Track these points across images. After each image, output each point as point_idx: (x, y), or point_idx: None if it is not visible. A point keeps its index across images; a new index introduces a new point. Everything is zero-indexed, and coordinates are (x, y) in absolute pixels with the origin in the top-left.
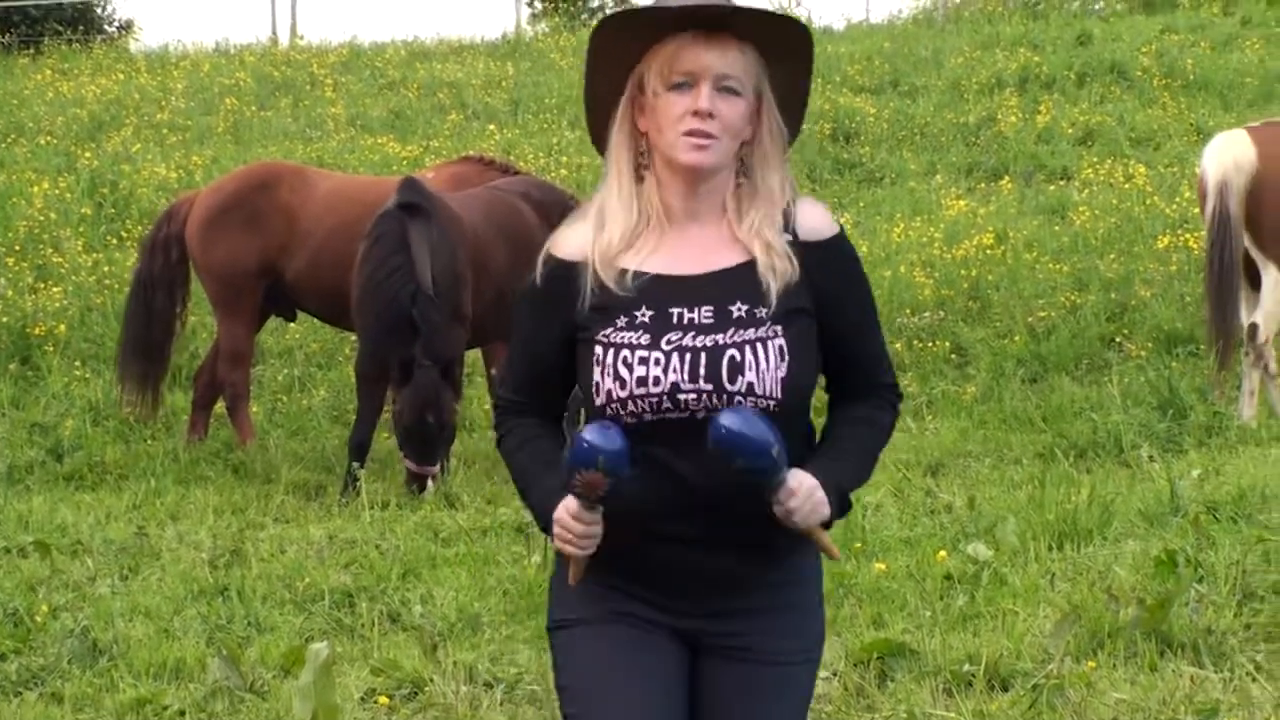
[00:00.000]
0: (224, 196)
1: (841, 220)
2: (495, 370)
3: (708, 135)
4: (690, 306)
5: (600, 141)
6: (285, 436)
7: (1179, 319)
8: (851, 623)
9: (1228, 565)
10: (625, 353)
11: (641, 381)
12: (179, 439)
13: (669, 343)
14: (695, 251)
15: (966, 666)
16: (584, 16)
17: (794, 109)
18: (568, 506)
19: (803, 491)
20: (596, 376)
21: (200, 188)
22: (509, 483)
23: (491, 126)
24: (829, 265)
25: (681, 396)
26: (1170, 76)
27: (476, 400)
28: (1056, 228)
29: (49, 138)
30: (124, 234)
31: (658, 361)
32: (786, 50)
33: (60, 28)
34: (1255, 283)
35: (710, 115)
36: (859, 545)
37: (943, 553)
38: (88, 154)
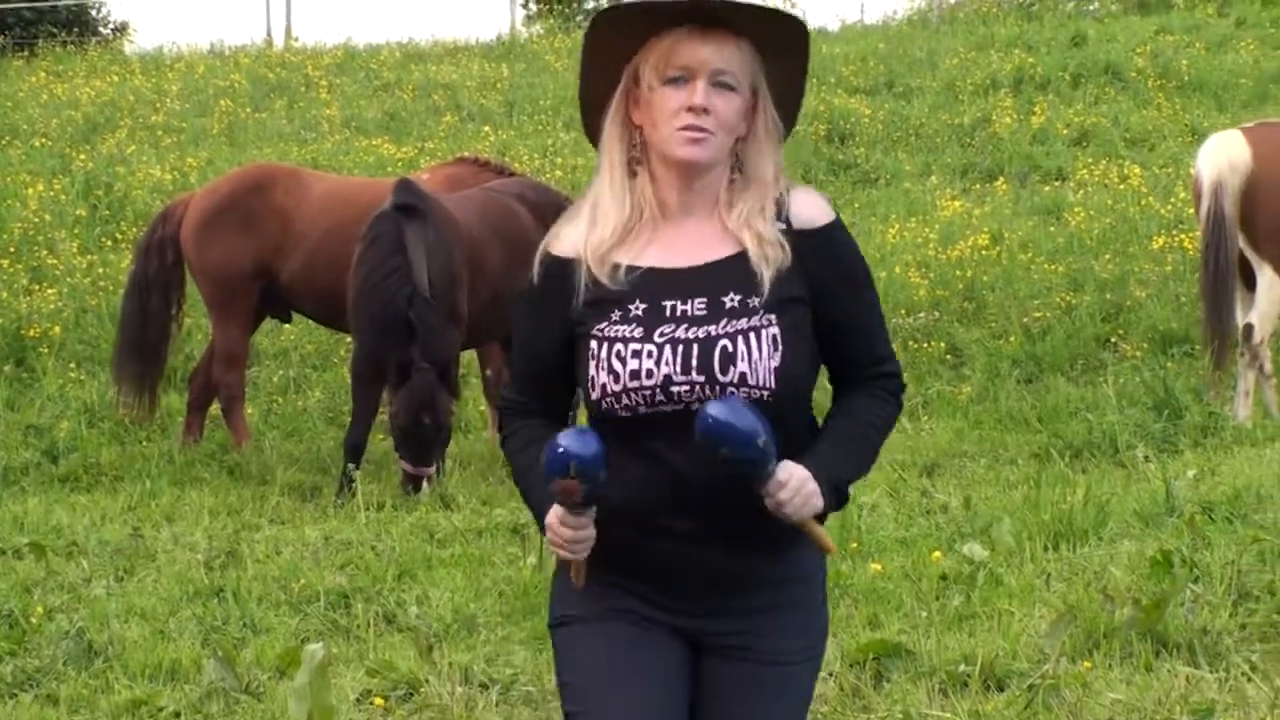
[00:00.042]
0: (219, 198)
1: None
2: (490, 371)
3: (703, 130)
4: (684, 299)
5: (595, 136)
6: (280, 438)
7: (1174, 319)
8: (847, 623)
9: (1223, 565)
10: (619, 346)
11: (634, 375)
12: (174, 441)
13: (661, 335)
14: (689, 245)
15: (962, 667)
16: (579, 18)
17: (789, 104)
18: (555, 511)
19: (793, 483)
20: (591, 371)
21: (195, 190)
22: (504, 484)
23: (486, 128)
24: (823, 253)
25: (674, 389)
26: (1165, 77)
27: (472, 402)
28: (1051, 228)
29: (44, 140)
30: (119, 236)
31: (650, 354)
32: (783, 45)
33: (55, 30)
34: (1250, 283)
35: (705, 110)
36: (855, 545)
37: (938, 553)
38: (82, 156)
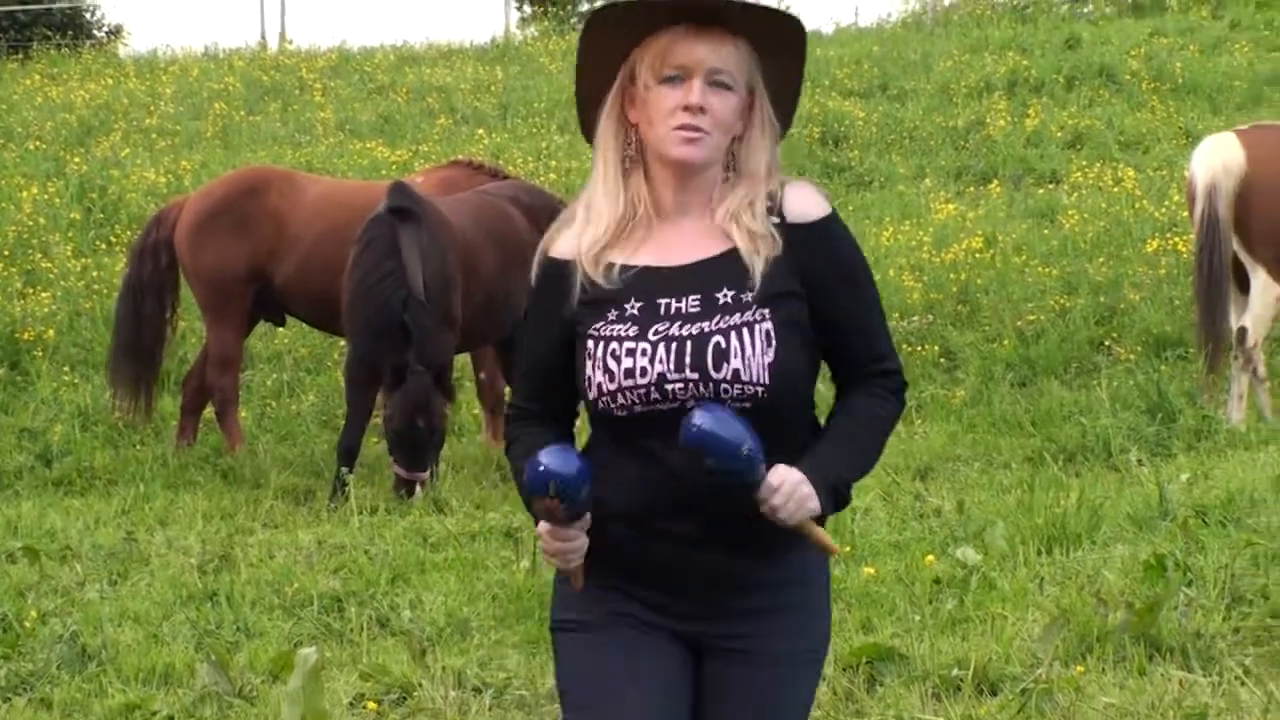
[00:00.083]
0: (213, 201)
1: None
2: (484, 374)
3: (698, 130)
4: (678, 296)
5: (591, 132)
6: (274, 441)
7: (1168, 322)
8: (840, 627)
9: (1216, 569)
10: (614, 345)
11: (629, 373)
12: (168, 444)
13: (656, 333)
14: (683, 243)
15: (955, 671)
16: (573, 21)
17: (786, 103)
18: (544, 524)
19: (785, 488)
20: (588, 370)
21: (189, 193)
22: (498, 487)
23: (480, 131)
24: (817, 247)
25: (669, 386)
26: (1159, 80)
27: (466, 405)
28: (1045, 231)
29: (38, 143)
30: (113, 239)
31: (644, 352)
32: (780, 45)
33: (49, 33)
34: (1244, 286)
35: (701, 110)
36: (848, 549)
37: (931, 557)
38: (76, 159)
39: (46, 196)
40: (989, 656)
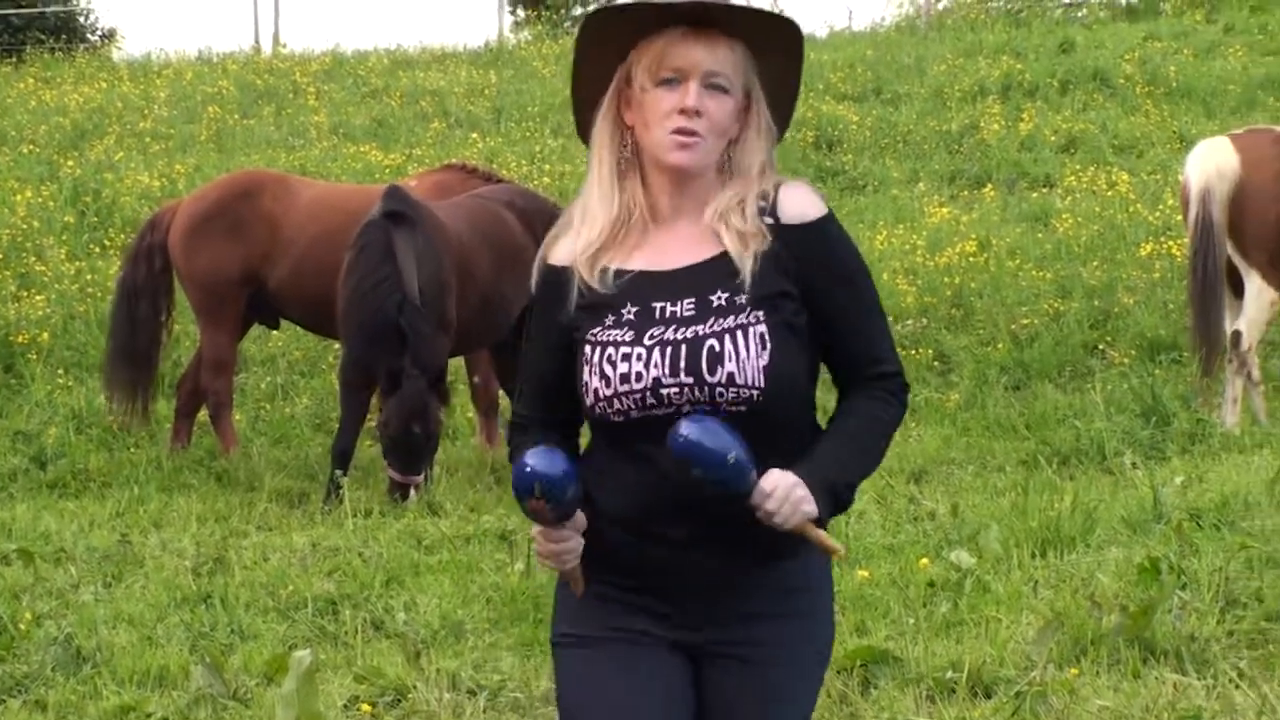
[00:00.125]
0: (207, 205)
1: None
2: (478, 378)
3: (694, 134)
4: (673, 300)
5: (587, 134)
6: (268, 444)
7: (1162, 326)
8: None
9: (1211, 572)
10: (610, 350)
11: (624, 378)
12: (162, 447)
13: (651, 338)
14: (678, 247)
15: (949, 674)
16: (567, 25)
17: (783, 106)
18: (536, 526)
19: (779, 492)
20: (585, 376)
21: (183, 196)
22: (492, 490)
23: (474, 134)
24: (813, 248)
25: (664, 391)
26: (1153, 84)
27: (460, 408)
28: (1039, 235)
29: (32, 146)
30: (107, 242)
31: (640, 357)
32: (776, 47)
33: (43, 36)
34: (1238, 290)
35: (698, 113)
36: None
37: (926, 560)
38: (70, 162)
39: (40, 200)
40: (983, 659)
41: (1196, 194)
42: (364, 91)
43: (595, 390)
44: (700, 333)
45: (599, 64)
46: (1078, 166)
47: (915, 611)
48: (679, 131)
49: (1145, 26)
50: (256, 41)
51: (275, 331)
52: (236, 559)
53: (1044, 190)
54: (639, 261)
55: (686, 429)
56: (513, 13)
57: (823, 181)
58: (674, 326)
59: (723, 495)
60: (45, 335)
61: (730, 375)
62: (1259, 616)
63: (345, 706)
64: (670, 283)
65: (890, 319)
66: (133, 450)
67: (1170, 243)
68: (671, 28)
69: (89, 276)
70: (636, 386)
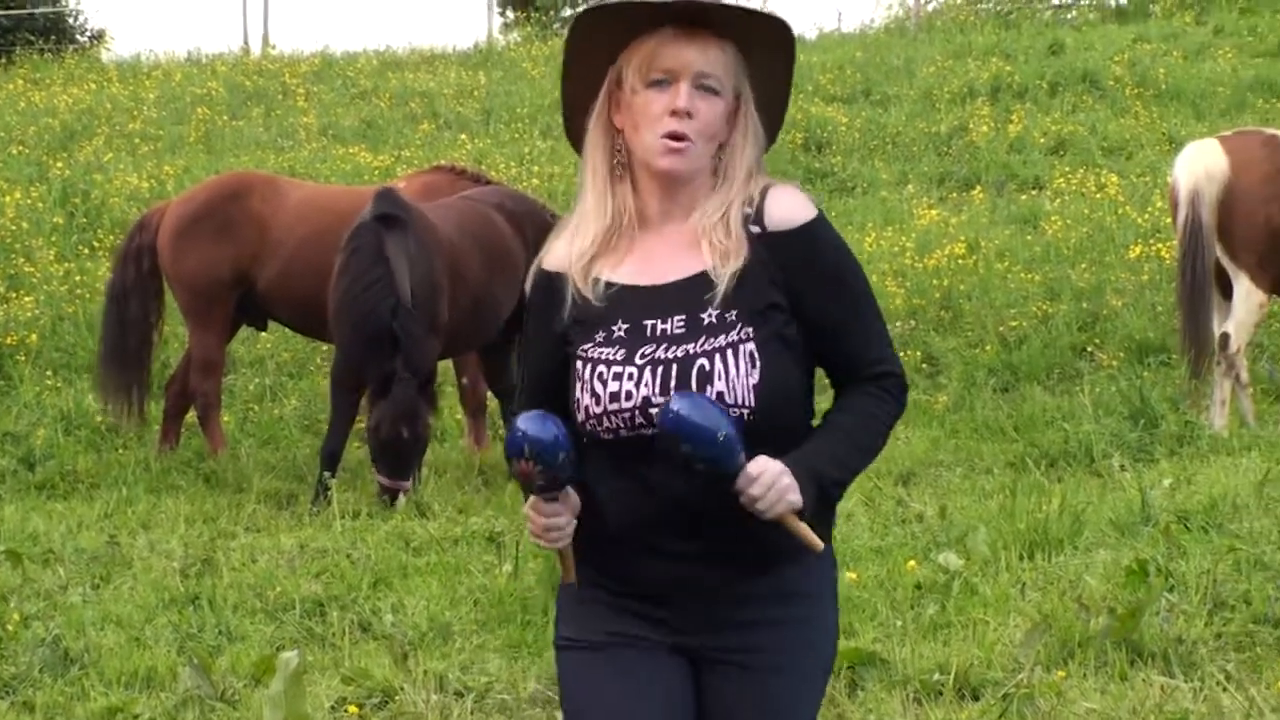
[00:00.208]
0: (195, 206)
1: None
2: (466, 379)
3: (684, 138)
4: (664, 317)
5: (577, 139)
6: (257, 446)
7: (1151, 328)
8: None
9: (1199, 575)
10: (601, 368)
11: (614, 397)
12: (150, 448)
13: (643, 356)
14: (667, 254)
15: (937, 676)
16: (556, 26)
17: (774, 110)
18: (529, 500)
19: (765, 478)
20: (577, 393)
21: (172, 197)
22: (480, 492)
23: (463, 136)
24: (801, 253)
25: (654, 411)
26: (1142, 86)
27: (448, 410)
28: (1028, 237)
29: (21, 147)
30: (96, 244)
31: (630, 376)
32: (768, 48)
33: (32, 38)
34: (1227, 292)
35: (688, 114)
36: None
37: (913, 562)
38: (59, 164)
39: (29, 201)
40: (970, 661)
41: (1185, 196)
42: (353, 93)
43: (586, 408)
44: (691, 351)
45: (589, 66)
46: (1067, 168)
47: (903, 613)
48: (670, 136)
49: (1135, 28)
50: (245, 43)
51: (264, 333)
52: (224, 560)
53: (1033, 192)
54: (629, 270)
55: (677, 404)
56: (502, 14)
57: (811, 183)
58: (665, 345)
59: (709, 475)
60: (34, 336)
61: (720, 395)
62: (1246, 619)
63: (332, 708)
64: (661, 298)
65: None
66: (121, 451)
67: (1159, 245)
68: (662, 28)
69: (78, 278)
70: (626, 405)
